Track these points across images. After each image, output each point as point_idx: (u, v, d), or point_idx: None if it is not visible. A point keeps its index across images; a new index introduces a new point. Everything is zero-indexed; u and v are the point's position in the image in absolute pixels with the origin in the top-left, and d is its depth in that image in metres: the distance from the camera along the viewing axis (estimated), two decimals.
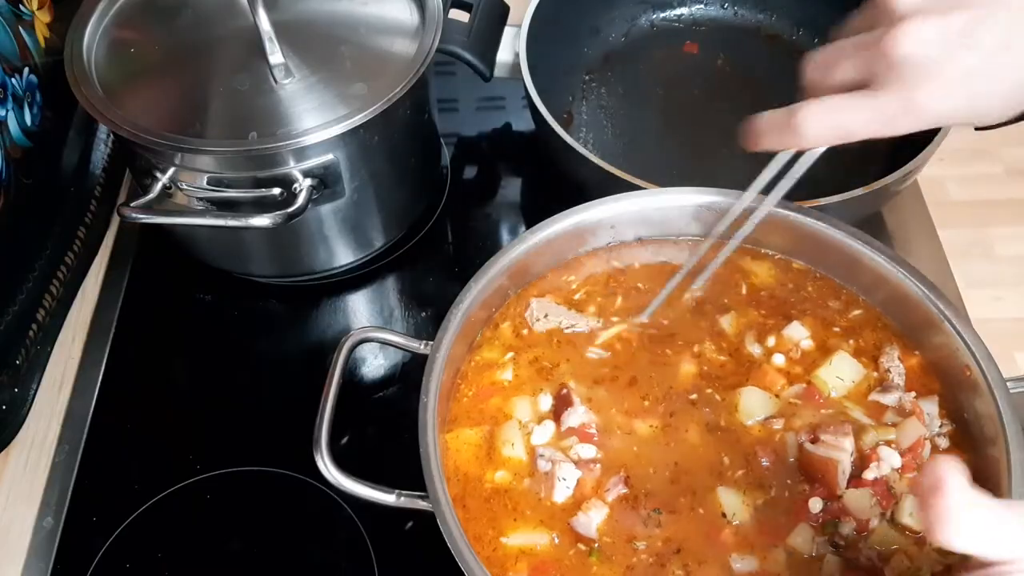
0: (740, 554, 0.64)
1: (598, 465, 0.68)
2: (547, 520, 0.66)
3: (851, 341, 0.75)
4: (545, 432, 0.70)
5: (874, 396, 0.71)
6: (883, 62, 0.52)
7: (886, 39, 0.52)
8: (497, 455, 0.69)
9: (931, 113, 0.53)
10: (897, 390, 0.71)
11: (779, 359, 0.74)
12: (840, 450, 0.66)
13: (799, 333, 0.75)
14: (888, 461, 0.66)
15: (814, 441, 0.68)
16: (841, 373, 0.72)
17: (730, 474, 0.68)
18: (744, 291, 0.78)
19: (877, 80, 0.53)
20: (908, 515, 0.65)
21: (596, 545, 0.65)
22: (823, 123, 0.55)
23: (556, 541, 0.66)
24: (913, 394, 0.71)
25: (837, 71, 0.55)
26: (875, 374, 0.73)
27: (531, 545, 0.65)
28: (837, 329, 0.76)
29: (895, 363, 0.73)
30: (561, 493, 0.67)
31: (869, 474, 0.66)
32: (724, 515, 0.66)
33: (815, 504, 0.65)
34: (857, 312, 0.77)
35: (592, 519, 0.65)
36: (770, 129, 0.59)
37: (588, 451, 0.69)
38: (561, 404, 0.71)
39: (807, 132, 0.56)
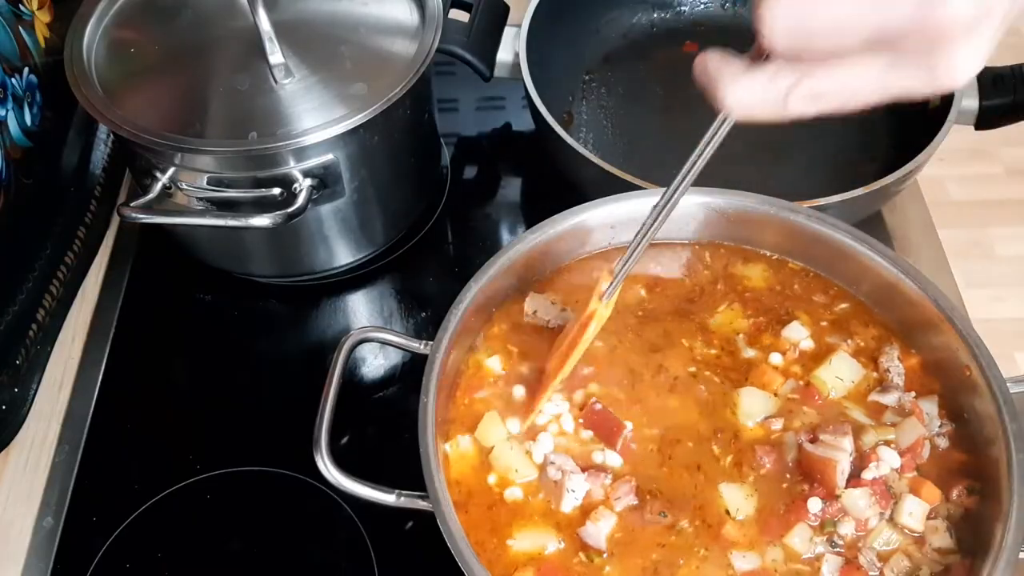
0: (741, 551, 0.64)
1: (609, 476, 0.68)
2: (550, 524, 0.66)
3: (850, 341, 0.75)
4: (548, 442, 0.70)
5: (874, 396, 0.71)
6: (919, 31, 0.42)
7: (944, 67, 0.42)
8: (497, 459, 0.69)
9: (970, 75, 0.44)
10: (897, 390, 0.71)
11: (776, 358, 0.74)
12: (839, 450, 0.66)
13: (798, 333, 0.75)
14: (887, 461, 0.66)
15: (813, 441, 0.68)
16: (841, 373, 0.72)
17: (729, 470, 0.68)
18: (736, 295, 0.78)
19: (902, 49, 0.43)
20: (907, 515, 0.65)
21: (604, 555, 0.65)
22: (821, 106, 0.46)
23: (562, 546, 0.66)
24: (913, 394, 0.71)
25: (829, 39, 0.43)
26: (875, 374, 0.73)
27: (537, 548, 0.65)
28: (829, 327, 0.76)
29: (895, 363, 0.73)
30: (569, 504, 0.67)
31: (868, 474, 0.66)
32: (728, 512, 0.66)
33: (814, 504, 0.65)
34: (854, 311, 0.77)
35: (601, 529, 0.65)
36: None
37: (615, 459, 0.69)
38: (598, 420, 0.70)
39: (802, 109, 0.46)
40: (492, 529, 0.66)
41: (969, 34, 0.42)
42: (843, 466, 0.65)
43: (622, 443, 0.69)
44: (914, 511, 0.65)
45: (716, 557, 0.64)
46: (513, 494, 0.68)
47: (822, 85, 0.43)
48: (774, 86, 0.44)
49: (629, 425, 0.70)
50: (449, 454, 0.70)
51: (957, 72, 0.43)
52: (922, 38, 0.41)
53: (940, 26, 0.41)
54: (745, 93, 0.45)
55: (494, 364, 0.75)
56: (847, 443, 0.66)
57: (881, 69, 0.43)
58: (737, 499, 0.66)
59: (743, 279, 0.79)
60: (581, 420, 0.71)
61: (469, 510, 0.67)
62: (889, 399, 0.71)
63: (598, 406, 0.70)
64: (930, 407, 0.70)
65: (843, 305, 0.77)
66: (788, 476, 0.68)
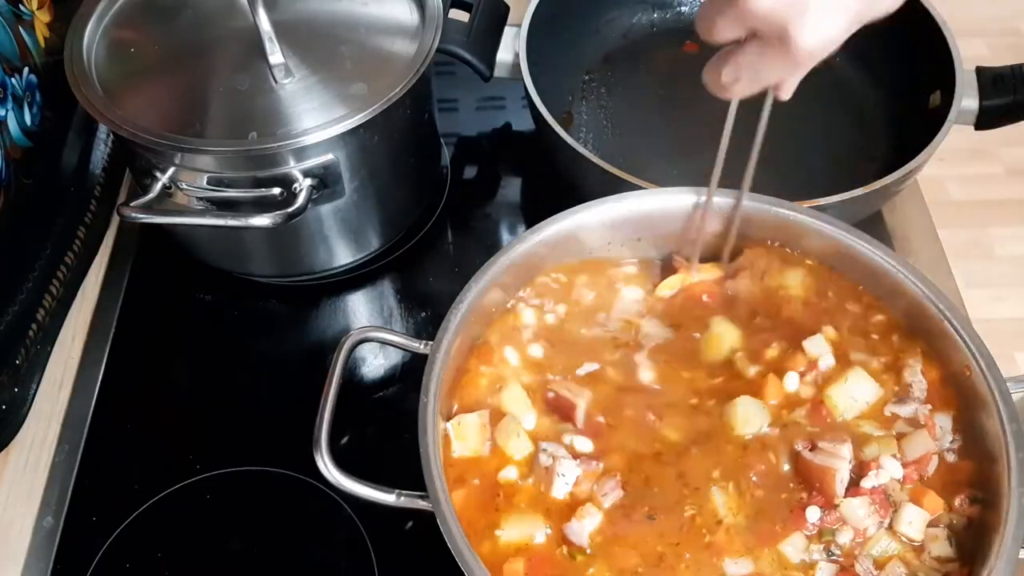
0: (734, 558, 0.64)
1: (600, 464, 0.68)
2: (539, 511, 0.66)
3: (881, 359, 0.72)
4: (530, 419, 0.71)
5: (890, 408, 0.70)
6: (750, 20, 0.54)
7: (792, 45, 0.53)
8: (501, 430, 0.69)
9: (821, 46, 0.53)
10: (915, 402, 0.70)
11: (792, 377, 0.71)
12: (838, 458, 0.65)
13: (819, 348, 0.72)
14: (888, 470, 0.66)
15: (812, 448, 0.67)
16: (855, 393, 0.70)
17: (726, 478, 0.67)
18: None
19: (761, 34, 0.55)
20: (907, 524, 0.64)
21: (588, 552, 0.64)
22: (744, 87, 0.60)
23: (549, 532, 0.66)
24: (929, 407, 0.70)
25: (716, 33, 0.57)
26: (896, 388, 0.71)
27: (525, 538, 0.65)
28: (854, 330, 0.75)
29: (918, 377, 0.71)
30: (560, 489, 0.67)
31: (867, 482, 0.65)
32: (720, 520, 0.65)
33: (812, 513, 0.65)
34: (864, 311, 0.76)
35: (585, 527, 0.65)
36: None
37: (585, 444, 0.69)
38: (554, 404, 0.71)
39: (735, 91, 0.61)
40: (487, 522, 0.66)
41: (800, 15, 0.52)
42: (842, 475, 0.65)
43: (584, 420, 0.70)
44: (914, 520, 0.64)
45: (707, 563, 0.64)
46: (508, 475, 0.68)
47: (735, 68, 0.59)
48: (713, 71, 0.61)
49: (581, 404, 0.71)
50: (451, 433, 0.69)
51: (802, 45, 0.53)
52: (765, 28, 0.54)
53: (758, 17, 0.52)
54: (706, 76, 0.62)
55: (494, 361, 0.75)
56: (846, 451, 0.66)
57: (756, 53, 0.56)
58: (732, 506, 0.66)
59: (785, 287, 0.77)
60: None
61: (466, 501, 0.67)
62: (905, 411, 0.69)
63: (551, 394, 0.72)
64: (944, 421, 0.69)
65: (862, 309, 0.75)
66: (786, 484, 0.67)
